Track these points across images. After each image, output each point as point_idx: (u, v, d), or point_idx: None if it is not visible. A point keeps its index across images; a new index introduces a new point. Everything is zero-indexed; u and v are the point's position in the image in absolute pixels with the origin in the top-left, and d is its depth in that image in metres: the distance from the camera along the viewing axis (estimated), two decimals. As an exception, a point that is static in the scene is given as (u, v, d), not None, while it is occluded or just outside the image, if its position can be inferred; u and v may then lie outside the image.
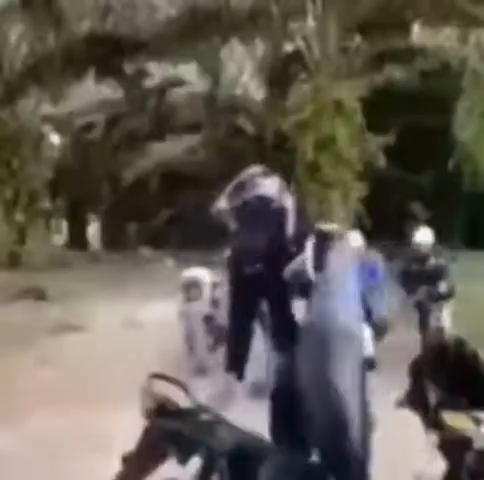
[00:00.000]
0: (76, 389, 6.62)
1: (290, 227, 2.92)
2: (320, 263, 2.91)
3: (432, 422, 2.20)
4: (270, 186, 2.89)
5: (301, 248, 2.95)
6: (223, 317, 8.15)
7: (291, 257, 2.95)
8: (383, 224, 19.87)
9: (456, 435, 2.15)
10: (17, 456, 4.80)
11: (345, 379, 2.47)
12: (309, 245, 2.93)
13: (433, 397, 2.20)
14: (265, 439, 2.67)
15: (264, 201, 2.89)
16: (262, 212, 2.88)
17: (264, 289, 3.09)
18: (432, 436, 2.24)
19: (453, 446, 2.18)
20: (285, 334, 3.00)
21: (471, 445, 2.15)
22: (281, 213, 2.88)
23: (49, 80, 17.02)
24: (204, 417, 2.64)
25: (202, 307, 7.76)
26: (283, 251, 2.96)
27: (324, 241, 2.96)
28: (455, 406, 2.17)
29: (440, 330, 7.94)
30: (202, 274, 8.05)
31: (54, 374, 7.30)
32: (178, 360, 7.39)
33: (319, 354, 2.51)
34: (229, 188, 2.94)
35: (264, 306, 3.24)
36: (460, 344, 2.40)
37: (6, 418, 5.65)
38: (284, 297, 2.97)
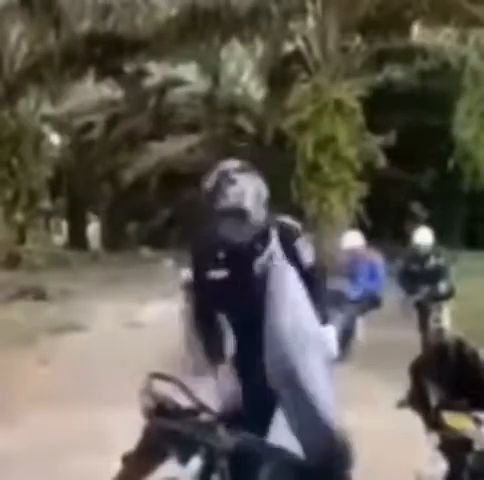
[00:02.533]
0: (76, 389, 6.62)
1: (253, 224, 2.80)
2: (290, 257, 2.87)
3: (433, 422, 2.20)
4: (245, 184, 2.77)
5: (267, 242, 2.90)
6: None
7: (257, 254, 2.89)
8: (383, 224, 19.89)
9: (457, 436, 2.14)
10: (17, 456, 4.79)
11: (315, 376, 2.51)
12: (274, 238, 2.89)
13: (434, 397, 2.19)
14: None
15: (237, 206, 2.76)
16: (232, 214, 2.76)
17: (229, 296, 2.96)
18: (433, 436, 2.24)
19: (454, 447, 2.17)
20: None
21: (472, 446, 2.14)
22: (244, 212, 2.76)
23: (49, 80, 17.01)
24: (204, 417, 2.64)
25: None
26: (250, 250, 2.87)
27: (289, 234, 2.94)
28: (456, 406, 2.17)
29: (440, 330, 7.93)
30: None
31: (54, 374, 7.30)
32: (178, 360, 7.38)
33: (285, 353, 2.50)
34: (208, 184, 2.81)
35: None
36: (460, 344, 2.40)
37: (6, 418, 5.65)
38: (252, 306, 2.80)
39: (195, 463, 2.46)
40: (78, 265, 17.67)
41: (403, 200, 22.63)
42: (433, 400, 2.22)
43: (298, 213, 16.41)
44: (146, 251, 21.90)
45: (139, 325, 10.16)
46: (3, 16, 16.52)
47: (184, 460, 2.49)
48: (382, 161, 18.68)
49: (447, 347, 2.43)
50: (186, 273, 8.03)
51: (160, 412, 2.66)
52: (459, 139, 18.74)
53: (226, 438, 2.47)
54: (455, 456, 2.19)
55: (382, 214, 19.28)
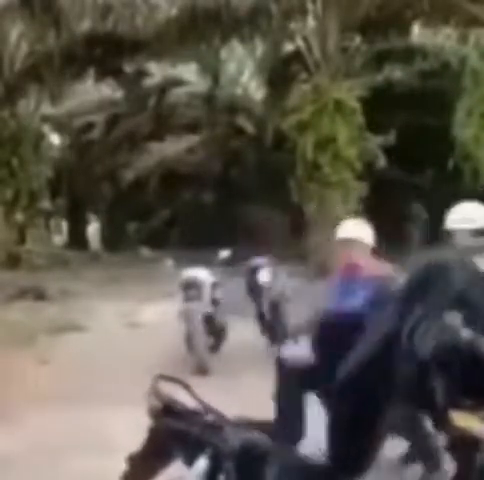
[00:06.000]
0: (76, 389, 6.61)
1: None
2: None
3: (441, 422, 2.18)
4: None
5: None
6: (223, 316, 8.19)
7: None
8: (383, 224, 19.85)
9: (465, 435, 2.13)
10: (17, 456, 4.79)
11: None
12: None
13: (441, 396, 2.18)
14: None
15: None
16: None
17: None
18: (441, 436, 2.22)
19: (462, 447, 2.16)
20: None
21: (480, 445, 2.13)
22: None
23: (49, 80, 17.01)
24: (210, 418, 2.63)
25: (202, 307, 7.76)
26: None
27: None
28: (464, 406, 2.15)
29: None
30: (202, 274, 8.05)
31: (54, 374, 7.29)
32: (178, 360, 7.39)
33: None
34: None
35: None
36: (466, 343, 2.37)
37: (6, 418, 5.65)
38: None
39: (201, 463, 2.45)
40: (78, 265, 17.66)
41: (403, 200, 22.62)
42: (440, 399, 2.20)
43: (298, 213, 16.45)
44: (146, 251, 21.88)
45: (139, 325, 10.16)
46: (3, 16, 16.51)
47: (190, 460, 2.49)
48: (382, 161, 18.68)
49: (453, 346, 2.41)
50: (188, 273, 8.06)
51: (167, 413, 2.65)
52: (459, 139, 18.72)
53: (232, 439, 2.46)
54: (463, 456, 2.18)
55: (382, 214, 19.26)
